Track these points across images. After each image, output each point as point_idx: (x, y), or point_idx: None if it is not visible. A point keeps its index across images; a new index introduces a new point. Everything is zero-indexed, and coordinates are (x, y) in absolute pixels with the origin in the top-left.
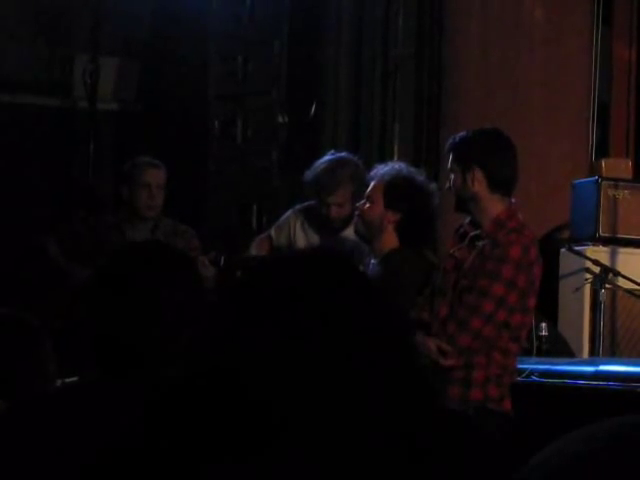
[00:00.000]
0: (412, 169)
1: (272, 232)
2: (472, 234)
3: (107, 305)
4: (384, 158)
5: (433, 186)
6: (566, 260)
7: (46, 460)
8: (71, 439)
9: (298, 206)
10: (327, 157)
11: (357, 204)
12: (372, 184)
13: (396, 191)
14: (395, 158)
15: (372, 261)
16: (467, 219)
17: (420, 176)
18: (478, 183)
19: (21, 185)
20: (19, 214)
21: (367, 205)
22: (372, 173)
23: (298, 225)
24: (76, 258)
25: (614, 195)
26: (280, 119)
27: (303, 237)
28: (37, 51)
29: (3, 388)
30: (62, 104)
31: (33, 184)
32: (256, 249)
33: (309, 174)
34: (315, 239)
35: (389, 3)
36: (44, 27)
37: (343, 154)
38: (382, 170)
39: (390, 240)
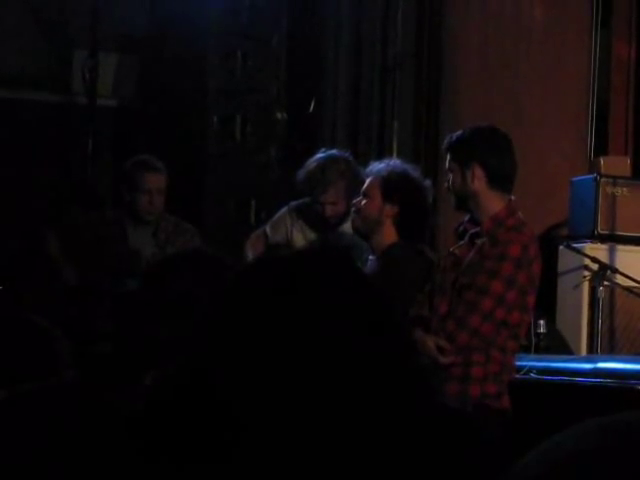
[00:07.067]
0: (407, 165)
1: (267, 229)
2: (472, 232)
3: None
4: (383, 155)
5: (428, 182)
6: (565, 257)
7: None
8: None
9: (293, 203)
10: (318, 156)
11: (353, 201)
12: (368, 180)
13: (393, 184)
14: (394, 155)
15: (371, 257)
16: (467, 217)
17: (415, 172)
18: (478, 180)
19: (20, 181)
20: (17, 210)
21: (364, 201)
22: (367, 170)
23: (294, 222)
24: (76, 253)
25: (613, 192)
26: (279, 115)
27: (300, 234)
28: (36, 47)
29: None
30: (61, 100)
31: (32, 180)
32: (251, 247)
33: (301, 173)
34: (312, 236)
35: (389, 0)
36: (43, 23)
37: (333, 151)
38: (378, 167)
39: (389, 234)
